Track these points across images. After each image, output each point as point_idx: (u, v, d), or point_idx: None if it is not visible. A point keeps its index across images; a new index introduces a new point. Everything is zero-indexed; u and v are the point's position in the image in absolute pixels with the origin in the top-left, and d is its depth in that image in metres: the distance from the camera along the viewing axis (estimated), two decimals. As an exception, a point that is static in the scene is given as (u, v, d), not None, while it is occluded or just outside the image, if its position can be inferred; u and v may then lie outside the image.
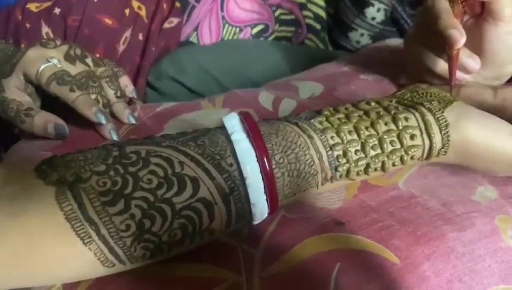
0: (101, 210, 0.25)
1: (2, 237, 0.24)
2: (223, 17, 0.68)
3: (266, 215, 0.29)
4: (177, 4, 0.68)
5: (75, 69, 0.39)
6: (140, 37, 0.64)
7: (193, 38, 0.69)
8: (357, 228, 0.29)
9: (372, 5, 0.64)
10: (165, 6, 0.67)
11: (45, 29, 0.58)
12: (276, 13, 0.69)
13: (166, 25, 0.66)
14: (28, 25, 0.58)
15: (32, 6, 0.59)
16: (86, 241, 0.25)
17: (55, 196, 0.25)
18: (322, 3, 0.70)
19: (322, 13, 0.70)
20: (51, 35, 0.58)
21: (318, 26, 0.70)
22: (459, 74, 0.38)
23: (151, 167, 0.27)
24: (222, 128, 0.30)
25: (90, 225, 0.25)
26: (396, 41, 0.62)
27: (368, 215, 0.31)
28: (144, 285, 0.27)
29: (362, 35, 0.66)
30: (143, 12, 0.64)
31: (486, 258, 0.30)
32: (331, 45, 0.71)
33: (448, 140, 0.30)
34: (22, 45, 0.57)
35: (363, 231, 0.29)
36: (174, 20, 0.67)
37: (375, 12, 0.64)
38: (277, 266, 0.27)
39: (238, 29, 0.68)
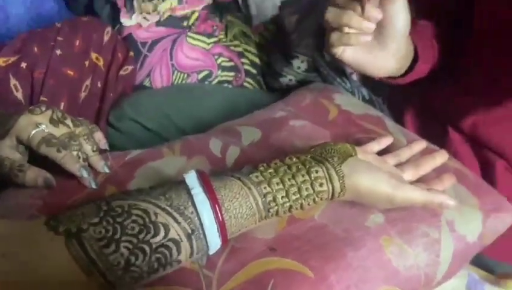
0: (98, 252, 0.35)
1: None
2: (173, 65, 0.78)
3: (219, 247, 0.40)
4: (131, 53, 0.77)
5: (59, 131, 0.47)
6: (99, 84, 0.72)
7: (146, 83, 0.78)
8: (285, 252, 0.41)
9: (297, 57, 0.77)
10: (120, 56, 0.76)
11: (13, 82, 0.65)
12: (218, 61, 0.80)
13: (121, 72, 0.75)
14: (-4, 78, 0.64)
15: (0, 61, 0.65)
16: (89, 274, 0.34)
17: (65, 242, 0.34)
18: (257, 53, 0.83)
19: (257, 60, 0.83)
20: (19, 87, 0.65)
21: (254, 71, 0.82)
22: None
23: (133, 217, 0.37)
24: (184, 183, 0.40)
25: (92, 263, 0.34)
26: (319, 85, 0.75)
27: (293, 242, 0.42)
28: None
29: (290, 80, 0.79)
30: (100, 63, 0.73)
31: (373, 269, 0.42)
32: (265, 87, 0.83)
33: (344, 186, 0.42)
34: None
35: (289, 254, 0.41)
36: (129, 68, 0.76)
37: (300, 63, 0.78)
38: (229, 285, 0.38)
39: (186, 75, 0.79)
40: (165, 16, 0.78)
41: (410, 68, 0.57)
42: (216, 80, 0.80)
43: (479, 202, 0.52)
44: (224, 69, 0.80)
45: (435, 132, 0.67)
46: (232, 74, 0.81)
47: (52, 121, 0.48)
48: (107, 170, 0.50)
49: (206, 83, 0.80)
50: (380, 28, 0.49)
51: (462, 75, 0.66)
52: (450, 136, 0.68)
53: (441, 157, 0.52)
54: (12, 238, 0.35)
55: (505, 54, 0.57)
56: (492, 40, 0.60)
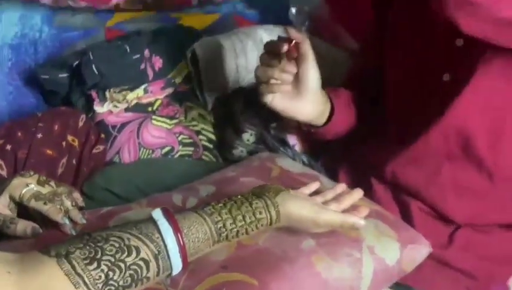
0: (84, 268, 0.44)
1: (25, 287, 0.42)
2: (139, 143, 0.91)
3: (181, 268, 0.50)
4: (102, 135, 0.90)
5: (44, 190, 0.58)
6: (74, 162, 0.83)
7: (116, 159, 0.90)
8: (234, 268, 0.51)
9: (247, 131, 0.92)
10: (93, 137, 0.88)
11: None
12: (179, 138, 0.94)
13: (94, 151, 0.87)
14: (-16, 159, 0.75)
15: (-13, 145, 0.76)
16: (76, 286, 0.43)
17: (57, 262, 0.44)
18: (212, 130, 0.98)
19: (213, 137, 0.97)
20: (4, 167, 0.75)
21: (211, 146, 0.96)
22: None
23: (110, 242, 0.47)
24: (151, 217, 0.51)
25: (79, 277, 0.43)
26: (265, 153, 0.89)
27: (241, 261, 0.53)
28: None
29: (242, 151, 0.93)
30: (76, 143, 0.85)
31: (307, 280, 0.53)
32: (221, 159, 0.97)
33: (279, 213, 0.54)
34: None
35: (238, 269, 0.51)
36: (101, 147, 0.88)
37: (249, 136, 0.93)
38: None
39: (151, 151, 0.91)
40: (133, 103, 0.93)
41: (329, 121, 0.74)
42: (177, 154, 0.93)
43: (397, 235, 0.65)
44: (184, 144, 0.94)
45: (362, 185, 0.81)
46: (191, 148, 0.94)
47: (39, 182, 0.59)
48: (84, 221, 0.59)
49: (169, 157, 0.92)
50: (297, 80, 0.68)
51: (379, 127, 0.81)
52: (374, 187, 0.81)
53: (358, 193, 0.65)
54: (14, 262, 0.44)
55: (405, 102, 0.74)
56: (394, 91, 0.77)
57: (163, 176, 0.85)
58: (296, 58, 0.67)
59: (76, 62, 0.88)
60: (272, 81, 0.66)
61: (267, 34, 1.03)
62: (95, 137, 0.89)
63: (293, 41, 0.64)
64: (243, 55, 1.00)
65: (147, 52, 0.93)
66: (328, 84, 0.77)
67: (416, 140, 0.72)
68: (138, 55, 0.92)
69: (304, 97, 0.69)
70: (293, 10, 1.13)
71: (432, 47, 0.69)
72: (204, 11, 1.22)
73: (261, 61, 0.68)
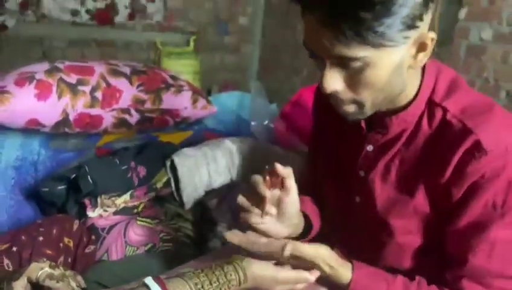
0: None
1: None
2: (126, 241, 1.04)
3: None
4: (93, 237, 1.03)
5: (55, 272, 0.71)
6: (69, 260, 0.96)
7: (104, 257, 1.02)
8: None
9: (219, 225, 1.08)
10: (85, 239, 1.01)
11: (6, 261, 0.87)
12: (160, 235, 1.08)
13: (86, 251, 1.00)
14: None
15: (-4, 248, 0.89)
16: None
17: None
18: (190, 227, 1.12)
19: (191, 233, 1.12)
20: (10, 266, 0.87)
21: (188, 241, 1.10)
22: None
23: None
24: (144, 283, 0.64)
25: None
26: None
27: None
28: None
29: (216, 242, 1.08)
30: (71, 244, 0.98)
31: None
32: (198, 251, 1.10)
33: (246, 274, 0.69)
34: None
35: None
36: (92, 247, 1.01)
37: (222, 228, 1.08)
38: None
39: (136, 248, 1.04)
40: (120, 207, 1.08)
41: (306, 229, 0.85)
42: (159, 250, 1.06)
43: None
44: (165, 241, 1.07)
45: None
46: (171, 244, 1.08)
47: (51, 266, 0.72)
48: (85, 296, 0.72)
49: (151, 252, 1.05)
50: (279, 209, 0.74)
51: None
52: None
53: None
54: None
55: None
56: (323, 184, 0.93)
57: (146, 269, 0.98)
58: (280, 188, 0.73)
59: (74, 175, 1.04)
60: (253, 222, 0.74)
61: (233, 143, 1.25)
62: (86, 239, 1.03)
63: (279, 177, 0.71)
64: (214, 162, 1.20)
65: (133, 164, 1.11)
66: None
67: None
68: (126, 166, 1.10)
69: (285, 222, 0.76)
70: (253, 124, 1.37)
71: (349, 150, 0.81)
72: (179, 129, 1.45)
73: (240, 208, 0.75)
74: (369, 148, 0.78)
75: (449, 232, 0.74)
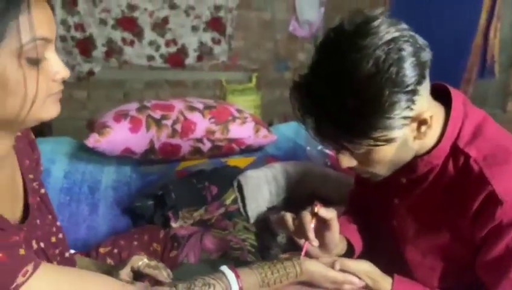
0: None
1: None
2: (201, 248, 1.24)
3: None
4: (175, 244, 1.24)
5: (151, 263, 0.91)
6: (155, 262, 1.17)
7: (184, 261, 1.22)
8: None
9: (279, 235, 1.25)
10: (169, 245, 1.23)
11: (109, 260, 1.10)
12: (230, 244, 1.27)
13: (170, 255, 1.21)
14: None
15: (102, 250, 1.12)
16: None
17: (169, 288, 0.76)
18: (254, 238, 1.30)
19: (255, 243, 1.29)
20: (112, 263, 1.09)
21: (253, 250, 1.28)
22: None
23: (197, 281, 0.79)
24: (220, 270, 0.83)
25: None
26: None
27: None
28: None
29: (277, 251, 1.24)
30: (159, 249, 1.19)
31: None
32: (261, 259, 1.27)
33: (302, 270, 0.85)
34: None
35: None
36: (174, 252, 1.22)
37: (281, 239, 1.24)
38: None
39: (210, 254, 1.24)
40: (197, 219, 1.29)
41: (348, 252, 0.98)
42: (229, 256, 1.25)
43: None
44: (234, 249, 1.26)
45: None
46: (239, 252, 1.26)
47: (148, 259, 0.93)
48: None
49: (223, 258, 1.24)
50: (321, 242, 0.89)
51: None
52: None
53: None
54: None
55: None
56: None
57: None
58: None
59: (160, 192, 1.27)
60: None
61: (290, 166, 1.43)
62: (170, 245, 1.24)
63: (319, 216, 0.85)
64: (274, 182, 1.39)
65: (207, 183, 1.33)
66: (338, 199, 1.05)
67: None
68: (201, 185, 1.31)
69: (326, 251, 0.91)
70: (308, 149, 1.55)
71: (386, 177, 0.88)
72: (244, 156, 1.66)
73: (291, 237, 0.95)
74: (403, 180, 0.88)
75: (476, 264, 0.81)
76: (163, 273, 0.92)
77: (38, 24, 0.58)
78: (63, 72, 0.64)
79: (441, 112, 0.80)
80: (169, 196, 1.25)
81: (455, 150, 0.79)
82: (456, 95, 0.82)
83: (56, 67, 0.63)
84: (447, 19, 2.47)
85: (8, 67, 0.57)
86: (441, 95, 0.81)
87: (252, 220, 1.35)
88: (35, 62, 0.59)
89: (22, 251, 0.59)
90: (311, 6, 3.55)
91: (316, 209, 0.87)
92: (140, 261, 0.91)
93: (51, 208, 0.82)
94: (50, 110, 0.65)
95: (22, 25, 0.56)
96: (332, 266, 0.88)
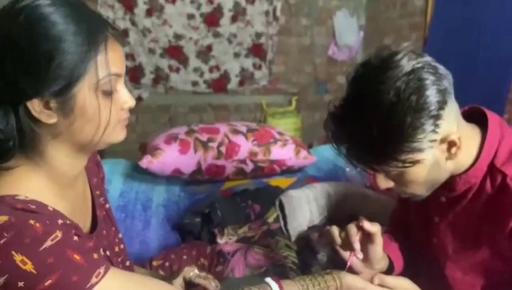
0: None
1: None
2: (246, 264, 1.31)
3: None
4: (221, 259, 1.32)
5: (201, 274, 0.99)
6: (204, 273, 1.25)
7: (230, 275, 1.29)
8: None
9: (320, 253, 1.29)
10: (215, 260, 1.30)
11: (161, 272, 1.19)
12: (272, 261, 1.33)
13: (217, 270, 1.28)
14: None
15: (155, 262, 1.21)
16: None
17: None
18: (295, 256, 1.35)
19: (296, 260, 1.34)
20: (164, 275, 1.18)
21: (294, 267, 1.33)
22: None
23: (245, 290, 0.86)
24: (265, 282, 0.89)
25: None
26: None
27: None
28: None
29: (317, 269, 1.29)
30: (206, 263, 1.27)
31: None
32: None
33: (342, 284, 0.90)
34: None
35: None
36: (220, 267, 1.29)
37: (322, 257, 1.29)
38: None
39: (253, 269, 1.30)
40: (241, 236, 1.36)
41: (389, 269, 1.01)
42: (272, 272, 1.30)
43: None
44: (276, 265, 1.32)
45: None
46: (281, 268, 1.31)
47: (198, 270, 1.01)
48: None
49: (266, 274, 1.30)
50: (365, 256, 0.93)
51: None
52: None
53: None
54: None
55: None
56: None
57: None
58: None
59: (207, 210, 1.36)
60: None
61: (330, 186, 1.48)
62: (216, 260, 1.32)
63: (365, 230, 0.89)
64: (314, 201, 1.44)
65: (250, 202, 1.41)
66: (377, 219, 1.09)
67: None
68: (245, 204, 1.39)
69: (369, 266, 0.96)
70: (348, 170, 1.60)
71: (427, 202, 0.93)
72: (285, 177, 1.73)
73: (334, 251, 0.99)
74: (442, 199, 0.92)
75: None
76: (212, 284, 0.99)
77: (112, 62, 0.69)
78: (130, 102, 0.74)
79: (476, 134, 0.86)
80: (216, 214, 1.33)
81: (492, 169, 0.84)
82: (493, 118, 0.87)
83: (125, 97, 0.73)
84: (491, 40, 2.46)
85: (87, 98, 0.68)
86: (477, 117, 0.87)
87: (293, 239, 1.40)
88: (109, 94, 0.70)
89: (95, 255, 0.68)
90: (351, 30, 3.62)
91: (361, 223, 0.92)
92: (192, 272, 0.99)
93: (114, 221, 0.92)
94: (119, 135, 0.75)
95: (99, 63, 0.67)
96: (371, 280, 0.92)
